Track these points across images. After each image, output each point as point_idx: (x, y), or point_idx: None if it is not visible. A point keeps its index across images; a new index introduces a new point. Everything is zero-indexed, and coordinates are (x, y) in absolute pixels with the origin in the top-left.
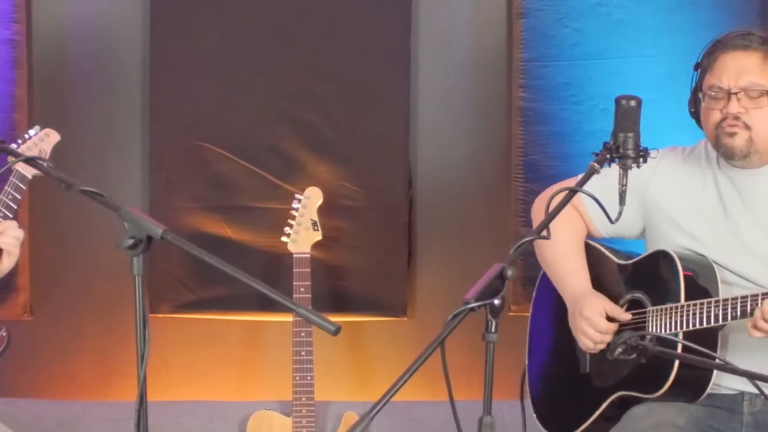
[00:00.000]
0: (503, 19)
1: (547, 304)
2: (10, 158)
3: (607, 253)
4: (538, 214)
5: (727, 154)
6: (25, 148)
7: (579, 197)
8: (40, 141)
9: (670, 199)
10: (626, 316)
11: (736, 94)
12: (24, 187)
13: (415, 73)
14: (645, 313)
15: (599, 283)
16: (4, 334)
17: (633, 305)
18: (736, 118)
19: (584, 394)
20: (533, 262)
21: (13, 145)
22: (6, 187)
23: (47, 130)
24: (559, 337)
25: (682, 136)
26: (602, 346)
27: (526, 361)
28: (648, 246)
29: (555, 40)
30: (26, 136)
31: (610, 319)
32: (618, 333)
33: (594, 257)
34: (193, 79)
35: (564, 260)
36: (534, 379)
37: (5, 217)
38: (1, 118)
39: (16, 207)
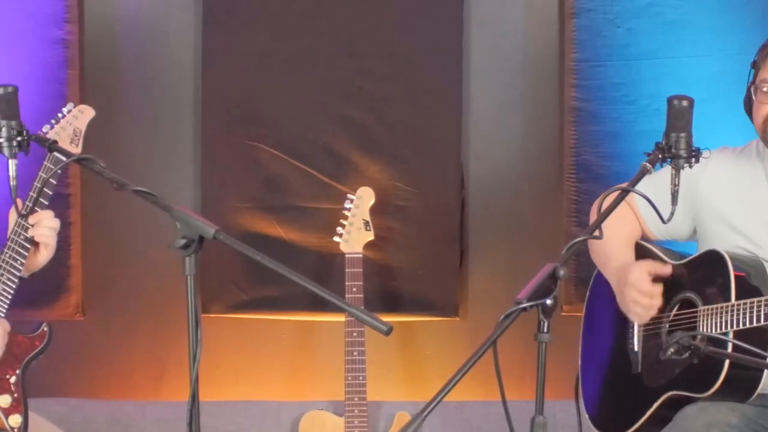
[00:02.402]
0: (555, 19)
1: (600, 304)
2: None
3: (659, 253)
4: (594, 215)
5: None
6: (59, 128)
7: (632, 198)
8: (74, 119)
9: (721, 199)
10: (667, 270)
11: None
12: (59, 171)
13: (467, 73)
14: (696, 313)
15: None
16: (45, 329)
17: (684, 305)
18: None
19: (636, 394)
20: (585, 262)
21: (47, 126)
22: (40, 173)
23: (81, 107)
24: (612, 337)
25: (734, 136)
26: (654, 312)
27: (580, 361)
28: (700, 246)
29: (607, 40)
30: (59, 115)
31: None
32: (670, 333)
33: (646, 257)
34: (245, 79)
35: (609, 248)
36: (586, 379)
37: (40, 205)
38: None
39: (51, 193)
